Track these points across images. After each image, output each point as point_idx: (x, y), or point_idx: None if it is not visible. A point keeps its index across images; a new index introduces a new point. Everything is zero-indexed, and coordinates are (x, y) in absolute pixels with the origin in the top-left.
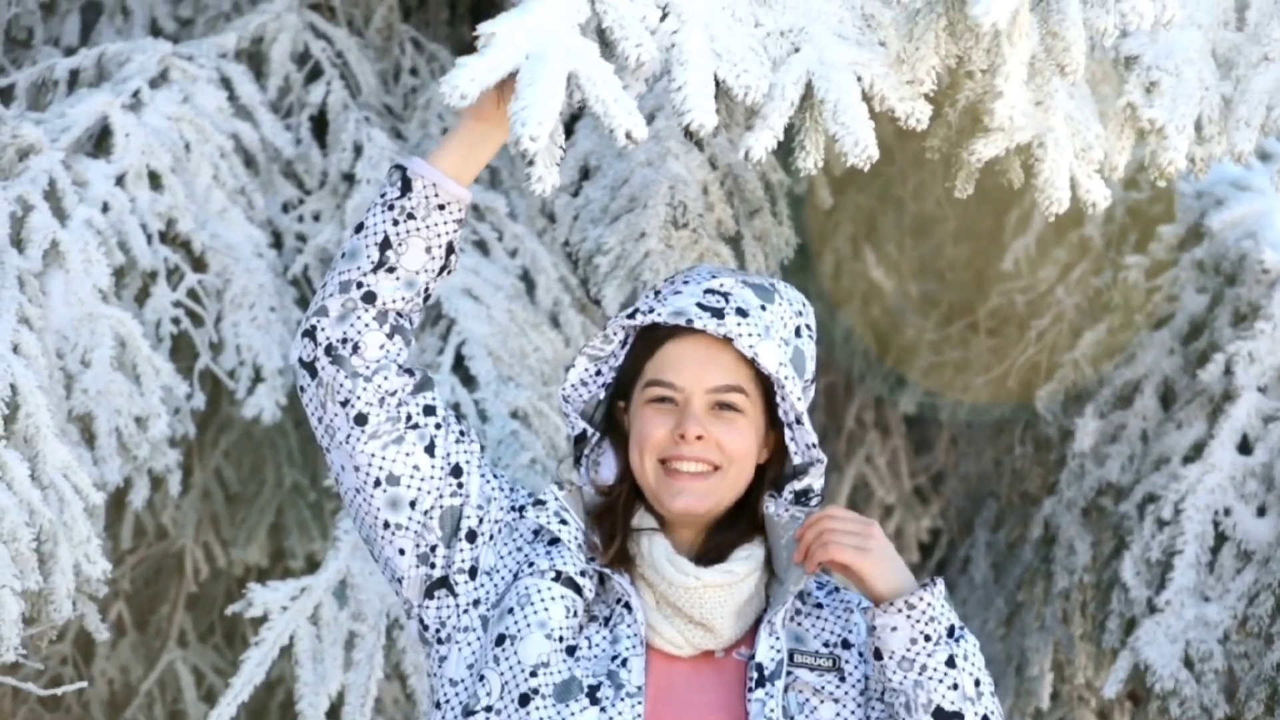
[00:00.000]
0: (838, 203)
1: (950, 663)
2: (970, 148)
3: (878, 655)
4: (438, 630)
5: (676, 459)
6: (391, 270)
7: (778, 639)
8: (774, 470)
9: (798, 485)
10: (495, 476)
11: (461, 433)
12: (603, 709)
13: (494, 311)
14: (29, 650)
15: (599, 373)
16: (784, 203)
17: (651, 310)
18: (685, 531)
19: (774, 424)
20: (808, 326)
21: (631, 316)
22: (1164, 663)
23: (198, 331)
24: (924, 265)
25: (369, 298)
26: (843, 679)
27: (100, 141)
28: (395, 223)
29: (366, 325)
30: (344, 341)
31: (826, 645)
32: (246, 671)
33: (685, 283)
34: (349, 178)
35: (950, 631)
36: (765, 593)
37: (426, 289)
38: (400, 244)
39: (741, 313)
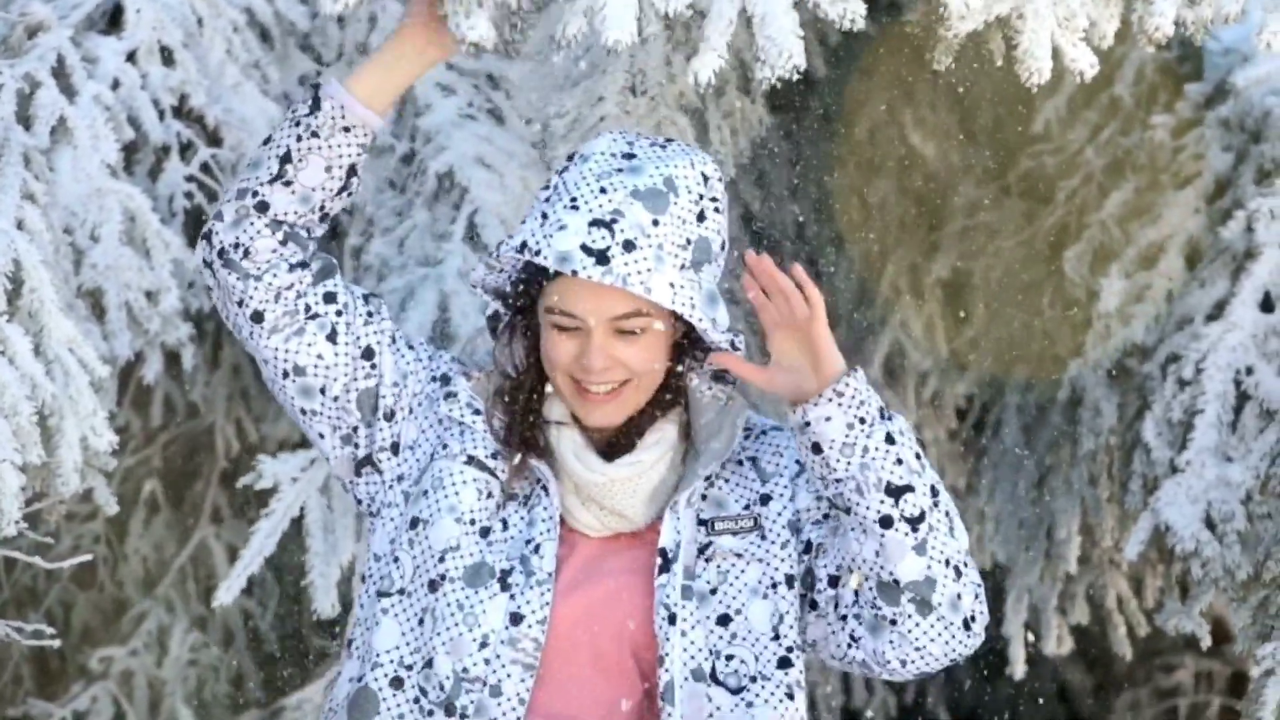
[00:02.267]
0: (871, 69)
1: (889, 439)
2: (947, 22)
3: (816, 449)
4: (369, 504)
5: (586, 381)
6: (288, 184)
7: (680, 520)
8: (691, 342)
9: (723, 358)
10: (411, 348)
11: (370, 313)
12: (512, 596)
13: (507, 180)
14: (35, 524)
15: (501, 270)
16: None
17: (538, 250)
18: None
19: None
20: (712, 200)
21: (520, 250)
22: (1185, 524)
23: (212, 206)
24: (957, 130)
25: (261, 207)
26: (763, 536)
27: (112, 19)
28: (299, 139)
29: (259, 232)
30: (235, 246)
31: (747, 506)
32: (256, 543)
33: (573, 205)
34: (364, 49)
35: (881, 413)
36: (683, 467)
37: (323, 206)
38: (300, 160)
39: (629, 246)
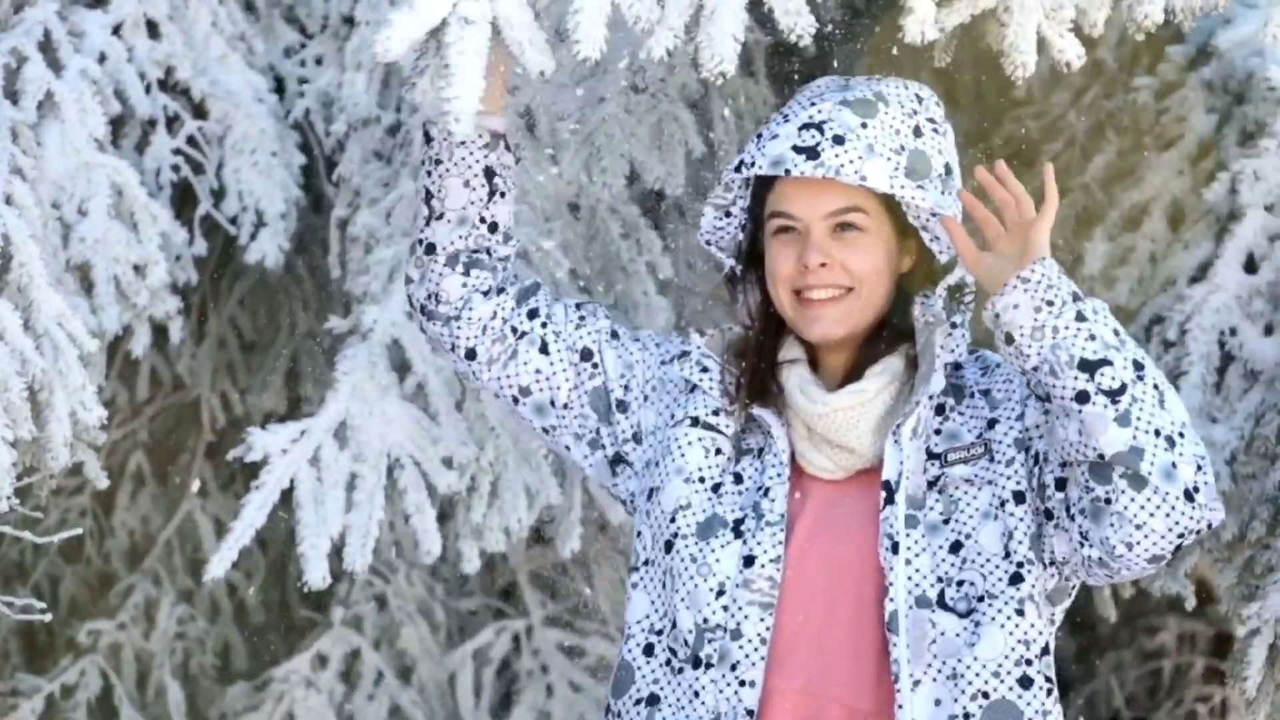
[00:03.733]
0: (853, 33)
1: (1080, 317)
2: (935, 17)
3: (1009, 340)
4: (630, 501)
5: (807, 288)
6: (440, 216)
7: (903, 451)
8: (920, 275)
9: (951, 280)
10: (635, 340)
11: (581, 318)
12: (744, 541)
13: None
14: (27, 498)
15: (729, 214)
16: (761, 61)
17: (753, 162)
18: (833, 356)
19: (911, 231)
20: (929, 120)
21: (738, 169)
22: None
23: (199, 179)
24: (941, 97)
25: (430, 249)
26: (992, 459)
27: None
28: (429, 174)
29: (440, 273)
30: (429, 297)
31: (979, 435)
32: (247, 515)
33: (784, 119)
34: (349, 20)
35: (1074, 296)
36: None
37: (483, 219)
38: (439, 190)
39: (838, 140)
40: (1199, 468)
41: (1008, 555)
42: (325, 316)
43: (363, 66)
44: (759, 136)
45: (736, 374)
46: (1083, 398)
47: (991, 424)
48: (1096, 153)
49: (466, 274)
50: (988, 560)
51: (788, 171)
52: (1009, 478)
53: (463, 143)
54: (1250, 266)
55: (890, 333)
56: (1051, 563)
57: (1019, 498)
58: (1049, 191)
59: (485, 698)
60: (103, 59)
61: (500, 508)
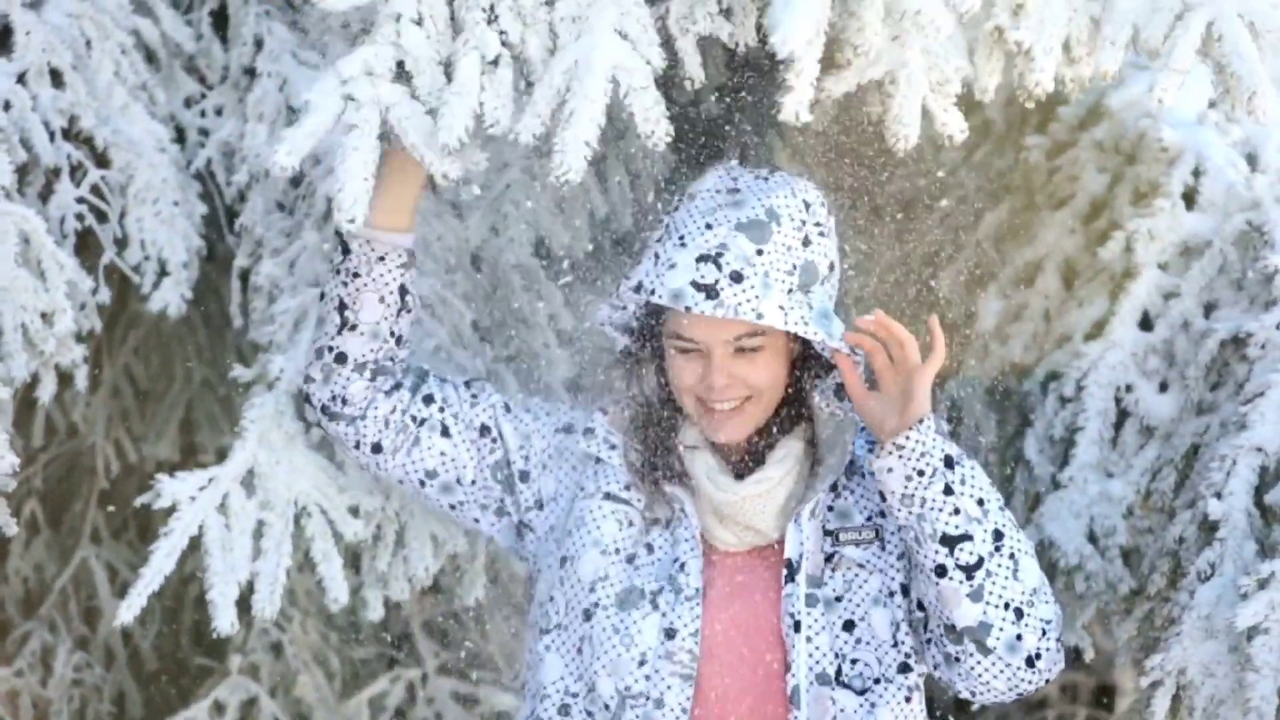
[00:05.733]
0: (735, 100)
1: (948, 490)
2: (821, 84)
3: (883, 497)
4: (533, 563)
5: (710, 400)
6: (354, 328)
7: (804, 532)
8: (814, 359)
9: (838, 377)
10: (527, 411)
11: (474, 396)
12: (663, 613)
13: None
14: None
15: (624, 308)
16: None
17: (652, 290)
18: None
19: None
20: (816, 225)
21: (637, 290)
22: (1068, 539)
23: (102, 227)
24: (827, 150)
25: (340, 359)
26: (883, 547)
27: (1, 40)
28: (345, 284)
29: (348, 379)
30: (333, 399)
31: (869, 518)
32: (156, 562)
33: (681, 243)
34: (250, 72)
35: (947, 462)
36: (813, 480)
37: (392, 333)
38: (354, 302)
39: (736, 278)
40: (1044, 633)
41: (896, 644)
42: (221, 365)
43: (264, 118)
44: (655, 258)
45: (641, 451)
46: (941, 571)
47: (884, 512)
48: (988, 211)
49: (372, 379)
50: (880, 644)
51: (688, 308)
52: (898, 570)
53: (381, 259)
54: (1145, 324)
55: (785, 415)
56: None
57: (904, 590)
58: (936, 344)
59: None
60: (8, 106)
61: (406, 556)
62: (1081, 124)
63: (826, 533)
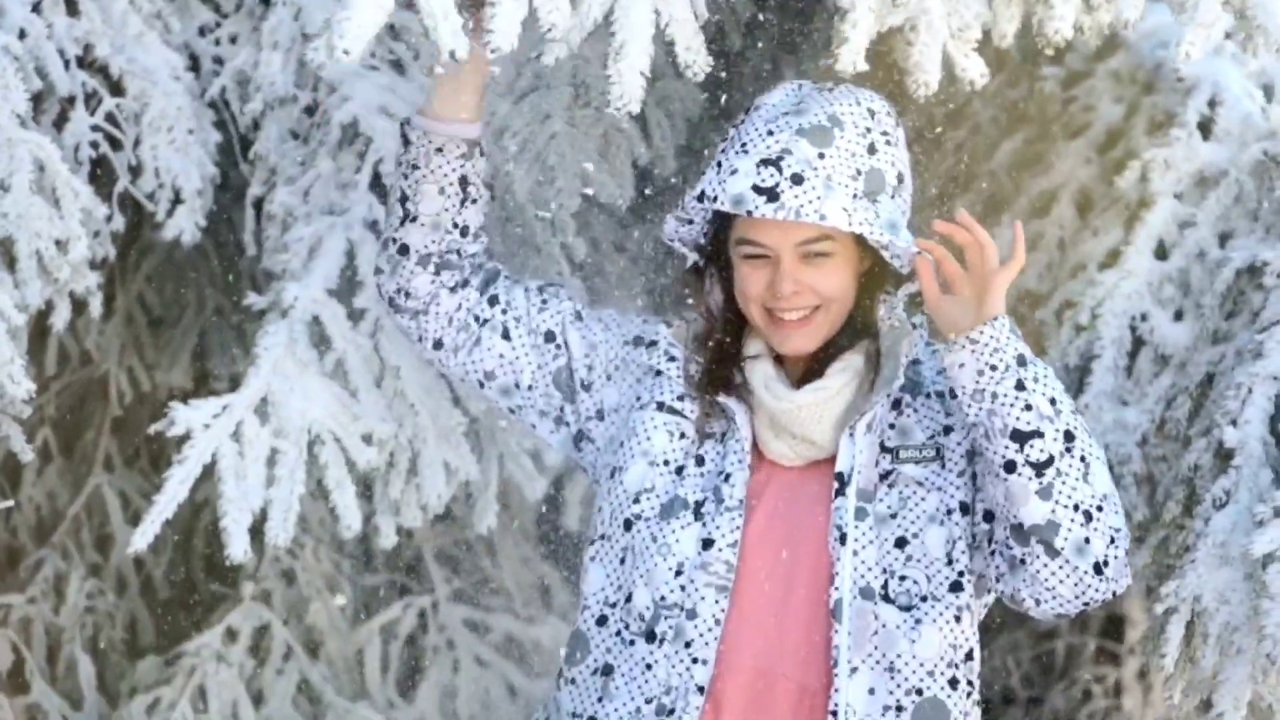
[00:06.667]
0: (757, 23)
1: (1019, 385)
2: (841, 32)
3: (953, 395)
4: (593, 473)
5: (778, 309)
6: (415, 220)
7: (856, 445)
8: (879, 274)
9: (911, 287)
10: (599, 320)
11: (544, 300)
12: (704, 523)
13: None
14: None
15: (690, 222)
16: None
17: (714, 197)
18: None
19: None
20: (883, 134)
21: (700, 199)
22: None
23: (116, 155)
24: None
25: (403, 250)
26: (944, 465)
27: None
28: (405, 177)
29: (412, 272)
30: (398, 292)
31: (931, 436)
32: (170, 490)
33: (743, 149)
34: (267, 1)
35: (1019, 360)
36: (871, 395)
37: (456, 224)
38: (414, 194)
39: (797, 180)
40: (1112, 540)
41: (950, 562)
42: (234, 293)
43: (279, 46)
44: (718, 166)
45: (701, 365)
46: (1010, 467)
47: (947, 430)
48: (1004, 140)
49: (437, 274)
50: (932, 562)
51: (749, 213)
52: (958, 488)
53: (440, 150)
54: (1160, 253)
55: (851, 329)
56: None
57: (964, 509)
58: (1017, 248)
59: (392, 672)
60: (23, 35)
61: (419, 484)
62: (1098, 54)
63: (886, 449)
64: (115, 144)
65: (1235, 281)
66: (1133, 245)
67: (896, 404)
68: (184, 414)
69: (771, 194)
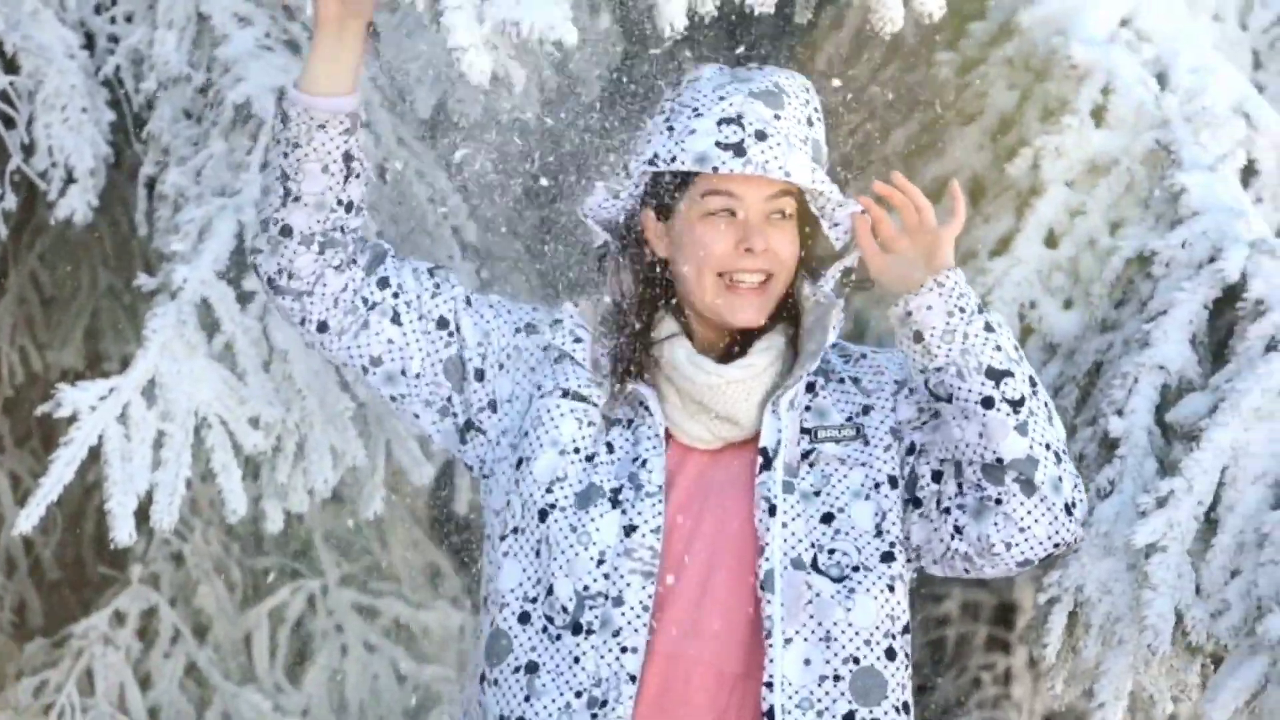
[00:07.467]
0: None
1: (988, 328)
2: None
3: (918, 338)
4: (480, 468)
5: (738, 271)
6: (298, 200)
7: (781, 421)
8: (809, 258)
9: (840, 265)
10: (490, 306)
11: (437, 285)
12: (623, 511)
13: None
14: None
15: (617, 196)
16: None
17: (672, 156)
18: (713, 332)
19: (811, 218)
20: (815, 110)
21: (652, 162)
22: None
23: (9, 134)
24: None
25: (285, 231)
26: (866, 442)
27: None
28: (285, 155)
29: (295, 252)
30: (279, 272)
31: (850, 418)
32: (55, 471)
33: (695, 113)
34: None
35: (979, 308)
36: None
37: (340, 201)
38: (296, 173)
39: (760, 136)
40: (1076, 485)
41: (880, 534)
42: (126, 274)
43: (174, 25)
44: (670, 130)
45: (609, 347)
46: (988, 403)
47: (865, 410)
48: (897, 126)
49: (321, 253)
50: (860, 535)
51: (715, 169)
52: (885, 462)
53: (322, 127)
54: (1051, 241)
55: (778, 308)
56: (912, 550)
57: (893, 482)
58: (957, 206)
59: (280, 657)
60: None
61: (305, 468)
62: (992, 40)
63: (804, 430)
64: (9, 122)
65: (1124, 270)
66: (1023, 233)
67: (811, 387)
68: (71, 395)
69: (738, 149)
